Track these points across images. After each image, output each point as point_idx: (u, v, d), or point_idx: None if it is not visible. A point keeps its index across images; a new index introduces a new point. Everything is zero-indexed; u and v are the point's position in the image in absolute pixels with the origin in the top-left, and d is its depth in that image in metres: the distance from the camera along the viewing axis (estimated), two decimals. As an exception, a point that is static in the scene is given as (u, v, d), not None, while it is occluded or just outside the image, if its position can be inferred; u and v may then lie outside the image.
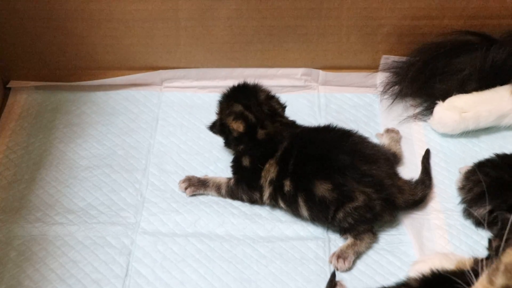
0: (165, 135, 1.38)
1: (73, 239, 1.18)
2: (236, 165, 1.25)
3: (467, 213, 1.21)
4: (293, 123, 1.26)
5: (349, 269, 1.14)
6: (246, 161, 1.22)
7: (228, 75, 1.47)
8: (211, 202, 1.25)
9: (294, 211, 1.20)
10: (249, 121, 1.20)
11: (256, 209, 1.24)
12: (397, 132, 1.35)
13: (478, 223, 1.19)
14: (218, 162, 1.33)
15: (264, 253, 1.16)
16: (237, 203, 1.25)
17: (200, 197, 1.26)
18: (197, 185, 1.26)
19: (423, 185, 1.22)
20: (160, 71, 1.47)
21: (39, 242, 1.17)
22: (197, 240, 1.18)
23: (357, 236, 1.16)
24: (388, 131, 1.35)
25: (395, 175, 1.19)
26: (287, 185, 1.17)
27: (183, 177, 1.28)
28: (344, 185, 1.12)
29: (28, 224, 1.20)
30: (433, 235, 1.19)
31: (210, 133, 1.27)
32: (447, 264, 0.99)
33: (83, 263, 1.15)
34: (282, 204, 1.20)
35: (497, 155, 1.25)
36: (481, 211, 1.17)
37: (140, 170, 1.31)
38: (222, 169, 1.31)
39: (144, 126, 1.40)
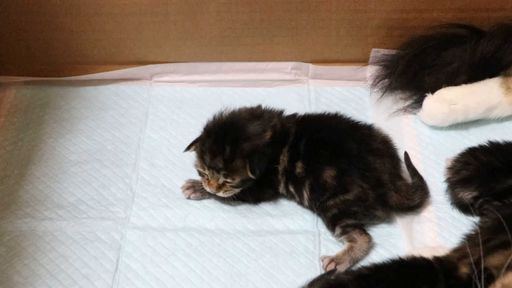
0: (155, 129, 1.38)
1: (63, 234, 1.18)
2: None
3: (450, 194, 1.21)
4: (281, 111, 1.25)
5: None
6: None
7: (218, 69, 1.47)
8: (201, 196, 1.25)
9: (300, 196, 1.19)
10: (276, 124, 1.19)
11: (246, 203, 1.24)
12: None
13: (460, 205, 1.20)
14: (208, 156, 1.32)
15: (254, 247, 1.16)
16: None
17: (190, 192, 1.26)
18: (202, 192, 1.23)
19: (422, 191, 1.20)
20: (150, 65, 1.47)
21: (29, 237, 1.17)
22: (187, 234, 1.18)
23: (351, 239, 1.13)
24: None
25: (397, 175, 1.18)
26: (299, 167, 1.17)
27: (173, 172, 1.29)
28: (346, 174, 1.13)
29: (18, 219, 1.20)
30: (423, 228, 1.19)
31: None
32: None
33: (73, 258, 1.14)
34: (292, 189, 1.19)
35: (491, 142, 1.24)
36: (466, 195, 1.18)
37: (130, 165, 1.31)
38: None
39: (134, 121, 1.40)
